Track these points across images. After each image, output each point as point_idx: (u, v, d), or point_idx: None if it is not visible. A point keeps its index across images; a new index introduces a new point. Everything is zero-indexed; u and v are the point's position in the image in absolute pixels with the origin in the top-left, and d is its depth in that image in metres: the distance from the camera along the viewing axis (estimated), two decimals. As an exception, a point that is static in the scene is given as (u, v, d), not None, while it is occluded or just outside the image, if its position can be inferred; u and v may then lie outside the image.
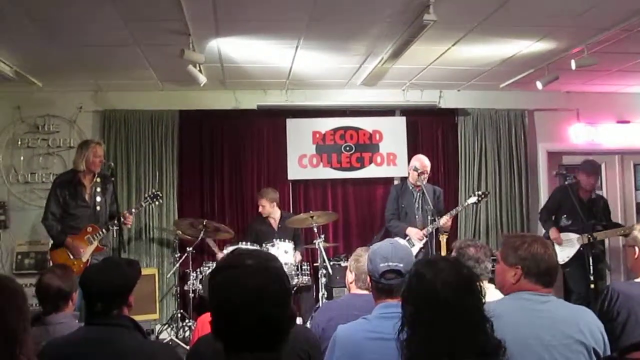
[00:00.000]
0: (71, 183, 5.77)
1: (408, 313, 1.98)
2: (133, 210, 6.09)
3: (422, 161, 6.51)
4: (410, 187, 6.61)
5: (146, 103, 7.55)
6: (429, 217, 6.24)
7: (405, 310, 2.01)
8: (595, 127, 8.33)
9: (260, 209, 7.13)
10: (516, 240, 2.74)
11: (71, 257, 5.60)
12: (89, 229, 5.70)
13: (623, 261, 7.77)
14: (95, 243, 5.71)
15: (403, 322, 1.99)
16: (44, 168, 7.37)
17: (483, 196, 6.49)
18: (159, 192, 6.35)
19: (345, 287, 6.42)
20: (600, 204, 6.77)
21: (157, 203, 6.38)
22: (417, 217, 6.47)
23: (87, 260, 5.64)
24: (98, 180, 5.85)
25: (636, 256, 3.42)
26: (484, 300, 2.01)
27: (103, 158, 5.82)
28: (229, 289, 1.65)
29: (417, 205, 6.52)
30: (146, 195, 6.37)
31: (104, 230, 5.73)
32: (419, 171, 6.34)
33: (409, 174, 6.66)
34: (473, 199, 6.46)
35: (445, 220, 6.19)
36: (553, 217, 6.81)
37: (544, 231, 6.92)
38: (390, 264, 2.64)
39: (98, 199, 5.83)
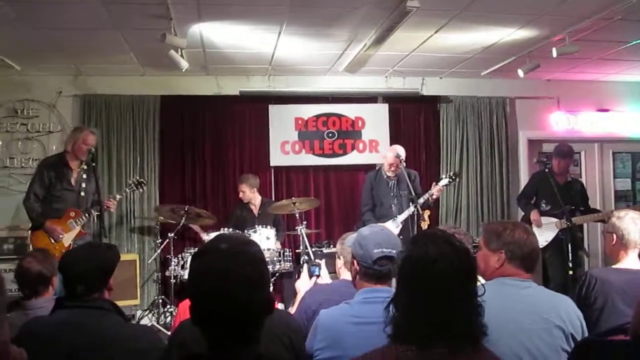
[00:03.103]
0: (58, 165, 5.72)
1: (403, 293, 1.90)
2: (117, 196, 6.04)
3: (401, 149, 6.52)
4: (385, 176, 6.59)
5: (127, 88, 7.46)
6: (406, 202, 6.30)
7: (399, 290, 1.93)
8: (575, 115, 8.42)
9: (240, 195, 7.11)
10: (498, 226, 2.80)
11: (52, 240, 5.54)
12: (72, 214, 5.64)
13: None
14: (78, 228, 5.66)
15: (392, 302, 1.91)
16: (23, 153, 7.27)
17: (454, 177, 6.43)
18: (143, 180, 6.32)
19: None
20: (577, 187, 6.84)
21: (140, 190, 6.33)
22: (392, 205, 6.44)
23: (69, 244, 5.58)
24: (85, 167, 5.80)
25: (614, 243, 3.46)
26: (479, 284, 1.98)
27: (92, 148, 5.74)
28: (199, 274, 1.64)
29: (392, 194, 6.49)
30: (130, 182, 6.33)
31: (86, 215, 5.68)
32: (402, 159, 6.34)
33: (386, 162, 6.58)
34: (445, 181, 6.37)
35: (438, 188, 6.25)
36: (532, 202, 6.87)
37: (520, 216, 6.99)
38: (385, 250, 2.62)
39: (83, 184, 5.77)
